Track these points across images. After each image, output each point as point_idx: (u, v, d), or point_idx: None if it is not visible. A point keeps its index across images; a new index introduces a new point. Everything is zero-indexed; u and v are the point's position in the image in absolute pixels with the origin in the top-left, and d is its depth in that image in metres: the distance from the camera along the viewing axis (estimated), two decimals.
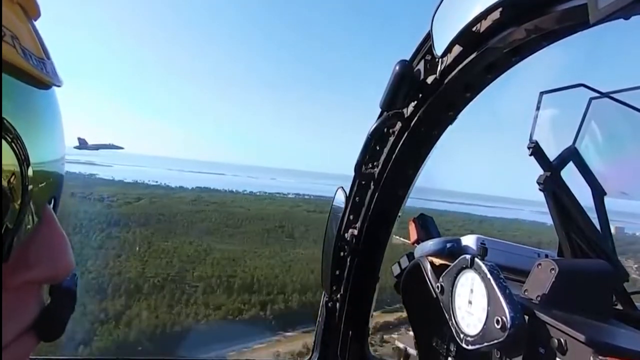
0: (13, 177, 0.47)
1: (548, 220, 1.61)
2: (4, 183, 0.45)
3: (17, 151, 0.47)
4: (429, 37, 1.71)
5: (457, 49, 1.63)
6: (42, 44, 0.56)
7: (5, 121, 0.45)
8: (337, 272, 2.42)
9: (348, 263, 2.40)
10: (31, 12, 0.57)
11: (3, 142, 0.45)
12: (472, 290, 1.30)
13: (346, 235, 2.37)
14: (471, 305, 1.30)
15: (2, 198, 0.45)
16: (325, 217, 2.58)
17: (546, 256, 1.63)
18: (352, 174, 2.27)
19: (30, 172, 0.49)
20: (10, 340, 0.51)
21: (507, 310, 1.15)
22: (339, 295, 2.48)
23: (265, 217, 74.91)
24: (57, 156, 0.59)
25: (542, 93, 1.65)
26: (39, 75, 0.52)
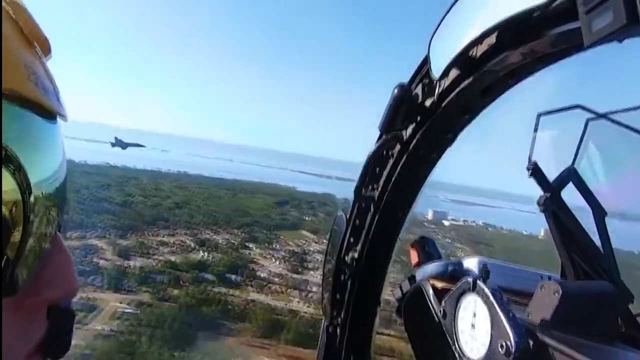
0: (30, 201, 0.50)
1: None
2: (19, 212, 0.49)
3: (26, 181, 0.50)
4: (426, 60, 1.74)
5: (454, 72, 1.66)
6: (52, 81, 0.62)
7: (17, 154, 0.48)
8: (338, 296, 2.39)
9: (349, 287, 2.37)
10: (45, 52, 0.63)
11: (12, 173, 0.48)
12: (474, 314, 1.28)
13: (346, 258, 2.35)
14: (474, 329, 1.28)
15: (19, 223, 0.49)
16: None
17: (549, 278, 1.62)
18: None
19: (42, 198, 0.54)
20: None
21: (511, 335, 1.13)
22: (339, 320, 2.44)
23: None
24: (62, 183, 0.63)
25: (539, 114, 1.67)
26: (52, 109, 0.58)
